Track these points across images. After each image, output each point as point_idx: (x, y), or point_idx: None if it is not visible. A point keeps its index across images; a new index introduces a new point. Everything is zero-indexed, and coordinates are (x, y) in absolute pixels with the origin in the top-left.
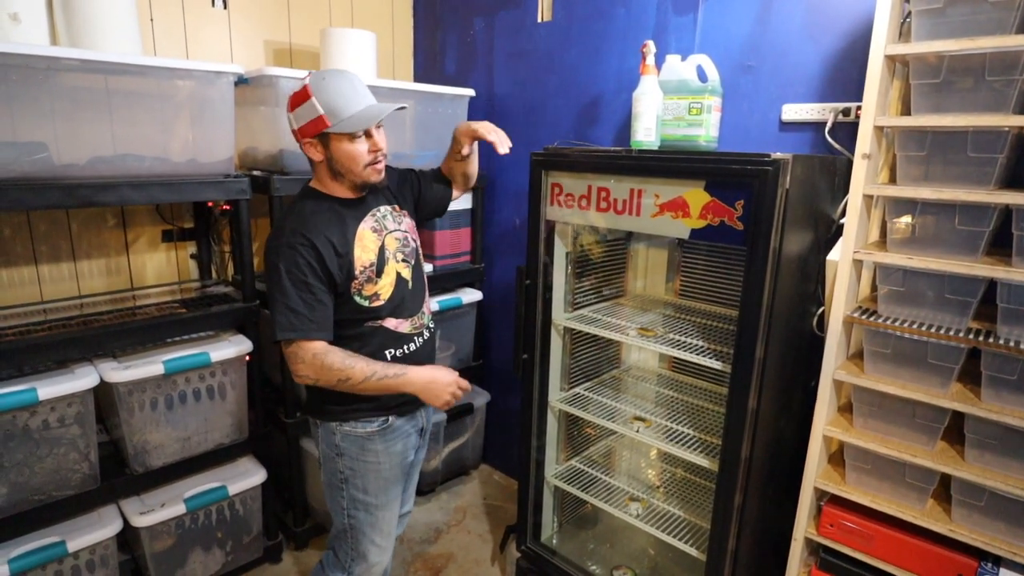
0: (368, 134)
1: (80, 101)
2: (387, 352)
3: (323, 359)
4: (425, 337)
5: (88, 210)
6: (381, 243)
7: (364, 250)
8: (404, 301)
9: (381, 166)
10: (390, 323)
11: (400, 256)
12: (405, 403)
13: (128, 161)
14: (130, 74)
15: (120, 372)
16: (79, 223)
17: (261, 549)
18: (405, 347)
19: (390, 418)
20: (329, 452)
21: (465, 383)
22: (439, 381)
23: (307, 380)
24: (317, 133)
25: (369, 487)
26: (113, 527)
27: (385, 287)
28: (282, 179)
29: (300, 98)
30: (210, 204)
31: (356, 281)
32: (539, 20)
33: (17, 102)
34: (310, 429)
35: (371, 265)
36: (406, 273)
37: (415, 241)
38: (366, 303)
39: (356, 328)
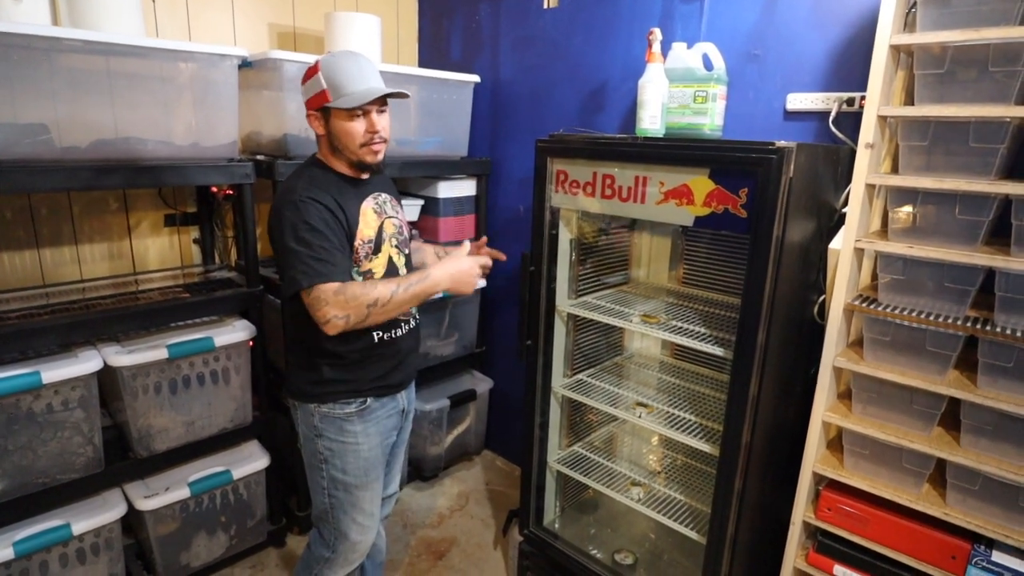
0: (367, 114)
1: (82, 83)
2: (375, 333)
3: (344, 293)
4: (411, 326)
5: (90, 194)
6: (380, 224)
7: (366, 225)
8: None
9: (377, 147)
10: None
11: (395, 242)
12: (383, 385)
13: (130, 144)
14: (132, 56)
15: (124, 356)
16: (81, 207)
17: (265, 533)
18: (393, 331)
19: (368, 399)
20: (308, 433)
21: (485, 259)
22: (462, 270)
23: (338, 324)
24: (319, 107)
25: (348, 468)
26: (118, 511)
27: (379, 267)
28: (286, 164)
29: (310, 72)
30: (213, 189)
31: (355, 255)
32: (545, 6)
33: (18, 83)
34: (290, 411)
35: (370, 241)
36: (398, 260)
37: (408, 232)
38: (360, 279)
39: None
